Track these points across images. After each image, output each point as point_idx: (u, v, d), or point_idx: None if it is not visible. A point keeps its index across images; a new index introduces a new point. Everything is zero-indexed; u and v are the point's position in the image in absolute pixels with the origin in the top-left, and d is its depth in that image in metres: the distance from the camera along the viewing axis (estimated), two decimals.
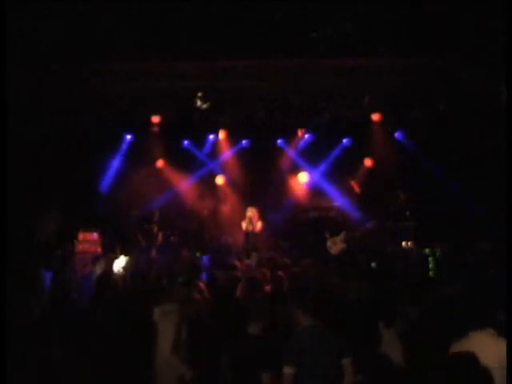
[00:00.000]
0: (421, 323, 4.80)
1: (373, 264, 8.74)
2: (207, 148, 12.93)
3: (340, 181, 12.45)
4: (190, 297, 5.35)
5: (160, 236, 11.46)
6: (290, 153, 12.89)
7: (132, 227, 11.50)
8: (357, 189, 12.29)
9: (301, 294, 4.70)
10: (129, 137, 12.56)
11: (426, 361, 3.83)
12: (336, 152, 12.49)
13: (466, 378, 2.79)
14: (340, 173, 12.43)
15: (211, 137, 12.89)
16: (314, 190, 12.66)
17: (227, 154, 12.97)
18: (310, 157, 12.50)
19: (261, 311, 4.60)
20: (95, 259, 8.53)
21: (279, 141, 12.96)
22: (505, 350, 3.40)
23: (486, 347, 3.42)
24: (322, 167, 12.43)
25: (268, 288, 6.16)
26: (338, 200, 12.36)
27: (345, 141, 12.72)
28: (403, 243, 11.09)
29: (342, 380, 4.12)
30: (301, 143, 12.83)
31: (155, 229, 11.42)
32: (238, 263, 7.94)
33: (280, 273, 6.66)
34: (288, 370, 4.09)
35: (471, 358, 2.89)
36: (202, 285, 5.86)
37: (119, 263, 8.41)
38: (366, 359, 4.35)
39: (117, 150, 12.48)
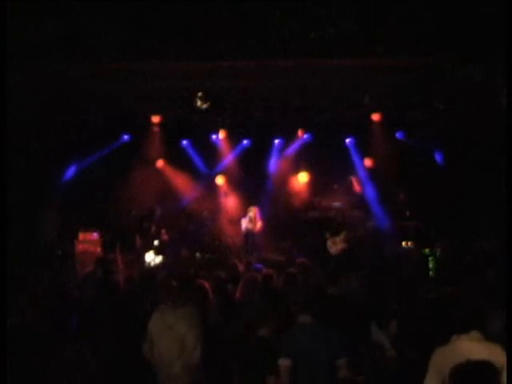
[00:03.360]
0: (420, 323, 4.79)
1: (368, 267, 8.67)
2: (207, 148, 12.92)
3: (340, 181, 12.47)
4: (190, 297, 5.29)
5: (164, 235, 11.47)
6: (290, 153, 12.90)
7: (132, 227, 11.51)
8: (357, 187, 12.30)
9: (299, 293, 4.70)
10: (126, 137, 12.57)
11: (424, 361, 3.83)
12: (336, 152, 12.48)
13: None
14: (340, 173, 12.44)
15: (211, 137, 12.89)
16: (314, 190, 12.66)
17: (227, 154, 12.98)
18: (310, 157, 12.50)
19: (267, 312, 4.60)
20: (99, 260, 8.53)
21: (279, 141, 12.97)
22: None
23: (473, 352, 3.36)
24: (322, 167, 12.41)
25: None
26: (338, 200, 12.37)
27: (345, 141, 12.75)
28: (403, 243, 11.10)
29: (338, 379, 4.12)
30: (301, 143, 12.84)
31: (153, 229, 11.43)
32: (238, 263, 7.94)
33: (292, 270, 6.62)
34: (284, 362, 4.08)
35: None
36: (206, 284, 5.67)
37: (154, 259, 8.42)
38: (363, 359, 4.36)
39: (116, 150, 12.48)
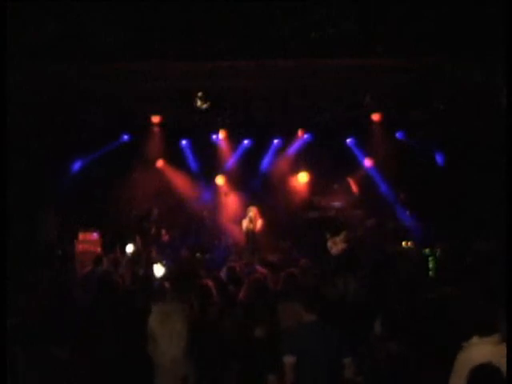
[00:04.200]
0: (420, 323, 4.80)
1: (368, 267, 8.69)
2: (207, 148, 12.93)
3: (340, 181, 12.47)
4: (190, 298, 5.30)
5: (164, 236, 11.47)
6: (290, 152, 12.90)
7: (132, 227, 11.51)
8: (354, 187, 12.31)
9: (302, 293, 4.70)
10: (126, 137, 12.58)
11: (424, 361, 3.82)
12: (336, 152, 12.48)
13: None
14: (340, 173, 12.44)
15: (211, 137, 12.89)
16: (314, 190, 12.66)
17: (227, 154, 12.98)
18: (310, 157, 12.50)
19: (266, 313, 4.61)
20: (97, 259, 8.54)
21: (279, 141, 12.97)
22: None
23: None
24: (322, 167, 12.41)
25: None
26: (338, 200, 12.37)
27: (345, 141, 12.75)
28: (403, 243, 11.11)
29: (340, 378, 4.13)
30: (301, 143, 12.84)
31: (153, 228, 11.43)
32: (237, 264, 7.94)
33: (292, 269, 6.62)
34: (288, 359, 4.09)
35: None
36: (210, 283, 5.65)
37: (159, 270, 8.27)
38: (363, 359, 4.37)
39: (116, 150, 12.47)
